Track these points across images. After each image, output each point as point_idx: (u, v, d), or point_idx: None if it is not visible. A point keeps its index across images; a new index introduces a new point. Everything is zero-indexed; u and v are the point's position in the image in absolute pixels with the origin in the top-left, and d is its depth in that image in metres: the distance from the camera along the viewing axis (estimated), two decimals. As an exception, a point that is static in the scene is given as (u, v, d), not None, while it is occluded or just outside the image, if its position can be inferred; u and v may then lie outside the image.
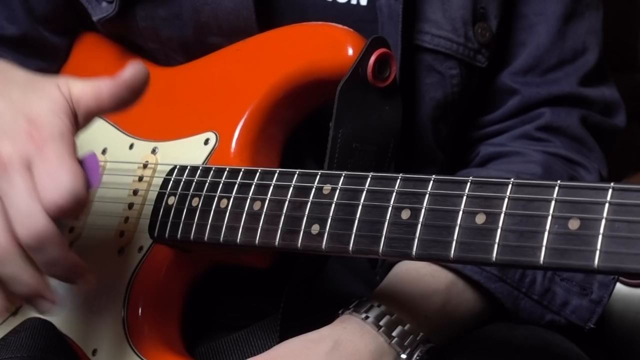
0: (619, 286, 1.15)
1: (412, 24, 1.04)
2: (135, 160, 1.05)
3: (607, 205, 0.69)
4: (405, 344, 0.90)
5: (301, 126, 1.03)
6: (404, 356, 0.89)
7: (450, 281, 0.96)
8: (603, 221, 0.69)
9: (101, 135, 1.11)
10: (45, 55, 1.20)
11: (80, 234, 1.06)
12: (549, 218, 0.72)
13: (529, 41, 1.10)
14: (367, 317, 0.91)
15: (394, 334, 0.90)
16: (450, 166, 1.13)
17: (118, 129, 1.10)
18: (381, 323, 0.90)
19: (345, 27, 0.97)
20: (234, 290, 1.06)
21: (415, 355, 0.89)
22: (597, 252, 0.68)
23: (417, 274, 0.96)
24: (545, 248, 0.71)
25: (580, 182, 1.06)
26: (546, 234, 0.71)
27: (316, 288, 1.00)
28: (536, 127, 1.09)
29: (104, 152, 1.10)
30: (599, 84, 1.13)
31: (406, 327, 0.90)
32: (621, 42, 1.17)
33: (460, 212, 0.76)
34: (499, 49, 1.11)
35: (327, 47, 0.96)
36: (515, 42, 1.11)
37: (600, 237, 0.69)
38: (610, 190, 0.69)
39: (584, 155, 1.10)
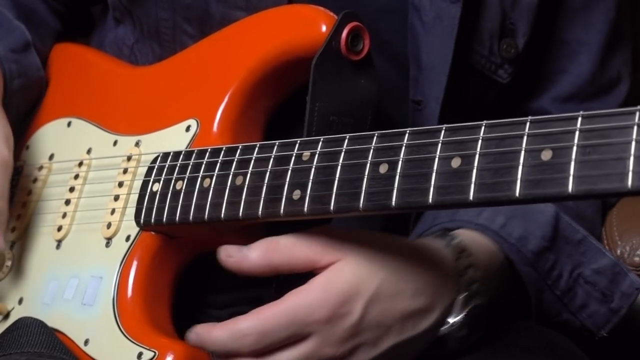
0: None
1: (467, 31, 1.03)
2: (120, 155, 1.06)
3: (577, 132, 0.70)
4: (472, 287, 0.90)
5: (287, 105, 1.03)
6: (460, 297, 0.89)
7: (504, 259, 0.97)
8: (574, 148, 0.70)
9: (85, 136, 1.12)
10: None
11: (68, 232, 1.07)
12: (522, 152, 0.73)
13: (570, 69, 1.11)
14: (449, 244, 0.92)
15: (468, 272, 0.91)
16: None
17: (101, 128, 1.11)
18: (460, 254, 0.91)
19: (317, 6, 0.98)
20: (226, 278, 1.05)
21: (470, 305, 0.90)
22: (571, 178, 0.69)
23: (482, 240, 0.96)
24: (520, 181, 0.72)
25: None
26: (520, 167, 0.72)
27: None
28: None
29: (89, 151, 1.11)
30: None
31: (478, 273, 0.91)
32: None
33: (436, 159, 0.77)
34: (538, 74, 1.12)
35: (300, 25, 0.97)
36: (556, 68, 1.12)
37: (572, 163, 0.69)
38: (579, 118, 0.71)
39: None
